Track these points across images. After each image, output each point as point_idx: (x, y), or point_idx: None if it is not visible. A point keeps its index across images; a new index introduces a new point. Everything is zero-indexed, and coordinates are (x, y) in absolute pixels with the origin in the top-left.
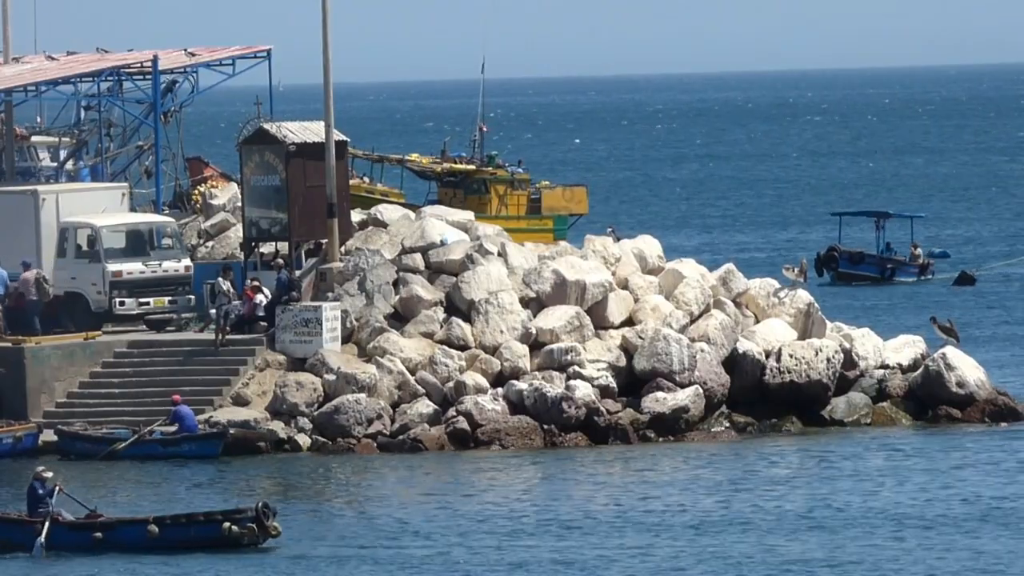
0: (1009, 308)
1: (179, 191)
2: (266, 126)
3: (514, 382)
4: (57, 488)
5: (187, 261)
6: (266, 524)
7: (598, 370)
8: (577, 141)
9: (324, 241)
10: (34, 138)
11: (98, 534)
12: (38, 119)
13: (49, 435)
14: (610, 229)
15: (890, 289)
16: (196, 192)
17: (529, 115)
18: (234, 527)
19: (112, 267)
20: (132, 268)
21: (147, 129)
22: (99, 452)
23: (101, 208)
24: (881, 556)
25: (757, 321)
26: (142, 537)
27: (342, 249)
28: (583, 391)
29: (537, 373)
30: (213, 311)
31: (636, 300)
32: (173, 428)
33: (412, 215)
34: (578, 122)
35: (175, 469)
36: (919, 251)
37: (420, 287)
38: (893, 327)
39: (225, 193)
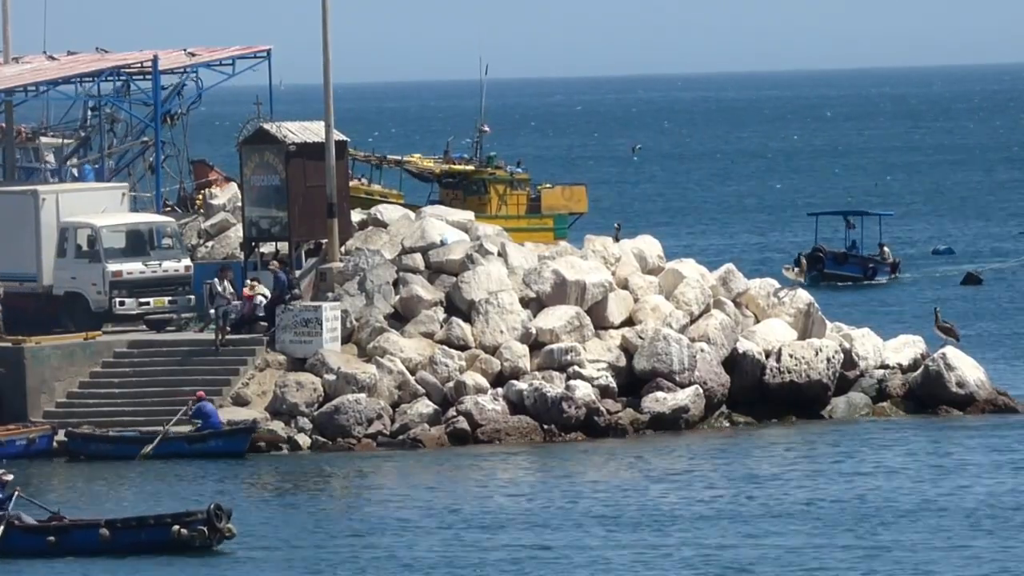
0: (1009, 307)
1: (183, 195)
2: (266, 126)
3: (514, 382)
4: (16, 493)
5: (187, 261)
6: (218, 527)
7: (598, 370)
8: (596, 134)
9: (324, 241)
10: (41, 139)
11: (51, 538)
12: (43, 119)
13: (63, 436)
14: (617, 225)
15: (875, 288)
16: (199, 196)
17: (547, 116)
18: (183, 530)
19: (112, 267)
20: (132, 268)
21: (153, 130)
22: (117, 453)
23: (101, 208)
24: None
25: (757, 321)
26: (94, 541)
27: (342, 249)
28: (583, 391)
29: (537, 373)
30: (213, 311)
31: (636, 300)
32: (193, 425)
33: (412, 215)
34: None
35: (191, 468)
36: (887, 250)
37: (420, 287)
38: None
39: (225, 193)
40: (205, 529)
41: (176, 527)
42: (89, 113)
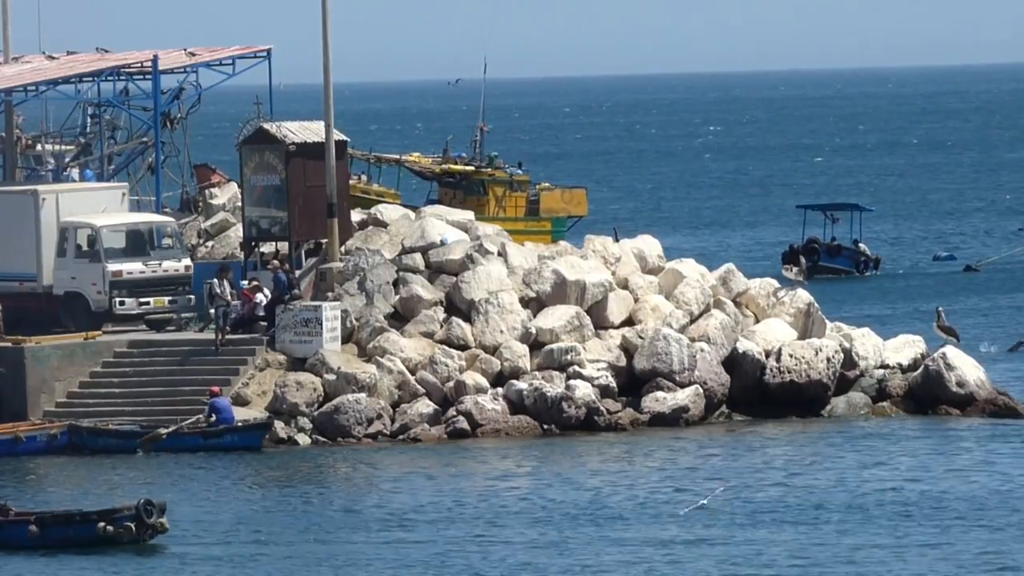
0: (1008, 305)
1: (186, 198)
2: (266, 126)
3: (514, 382)
4: None
5: (187, 261)
6: (148, 522)
7: (598, 370)
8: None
9: (324, 241)
10: (39, 146)
11: None
12: (42, 124)
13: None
14: (614, 230)
15: (870, 282)
16: (201, 200)
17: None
18: (109, 527)
19: (112, 267)
20: (132, 268)
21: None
22: (124, 448)
23: (101, 208)
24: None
25: (757, 321)
26: (24, 536)
27: (342, 249)
28: (583, 391)
29: (537, 373)
30: (213, 311)
31: (636, 300)
32: (210, 420)
33: (412, 215)
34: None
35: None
36: (862, 246)
37: (420, 287)
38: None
39: (225, 193)
40: (132, 525)
41: (102, 523)
42: (89, 120)
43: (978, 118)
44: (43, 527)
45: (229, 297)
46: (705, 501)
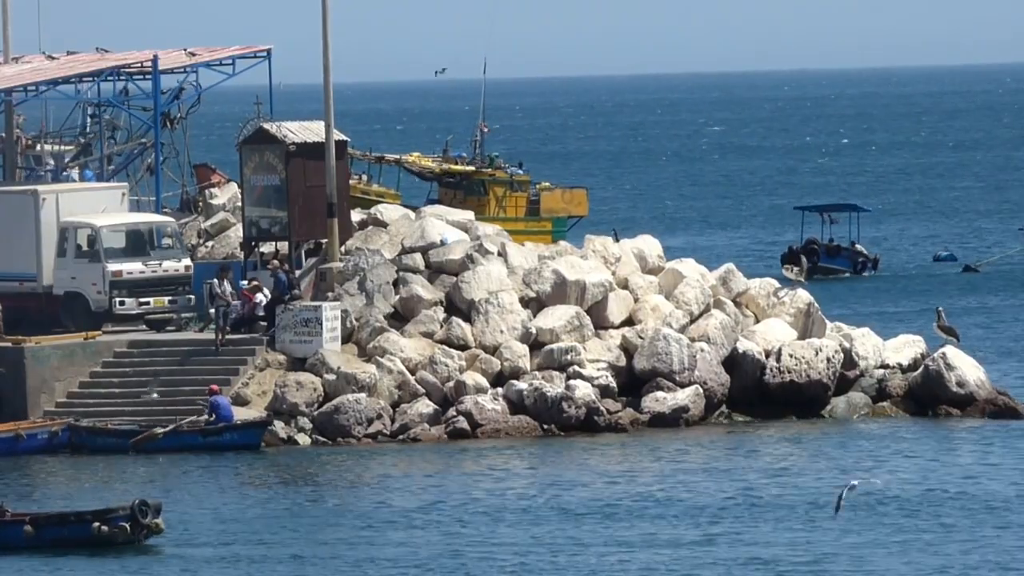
0: (1008, 306)
1: (186, 198)
2: (266, 126)
3: (514, 382)
4: None
5: (187, 261)
6: (143, 522)
7: (598, 370)
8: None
9: (324, 241)
10: (39, 146)
11: None
12: (42, 124)
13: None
14: (614, 231)
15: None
16: (201, 200)
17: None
18: (104, 527)
19: (112, 267)
20: (132, 268)
21: (153, 133)
22: (124, 447)
23: (101, 208)
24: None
25: (757, 321)
26: (20, 536)
27: (342, 249)
28: (583, 391)
29: (537, 373)
30: (213, 311)
31: (636, 300)
32: (209, 419)
33: (412, 215)
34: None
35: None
36: (859, 247)
37: (420, 287)
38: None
39: (225, 193)
40: (127, 525)
41: (96, 524)
42: (89, 120)
43: (982, 117)
44: (38, 527)
45: (229, 297)
46: (856, 483)
